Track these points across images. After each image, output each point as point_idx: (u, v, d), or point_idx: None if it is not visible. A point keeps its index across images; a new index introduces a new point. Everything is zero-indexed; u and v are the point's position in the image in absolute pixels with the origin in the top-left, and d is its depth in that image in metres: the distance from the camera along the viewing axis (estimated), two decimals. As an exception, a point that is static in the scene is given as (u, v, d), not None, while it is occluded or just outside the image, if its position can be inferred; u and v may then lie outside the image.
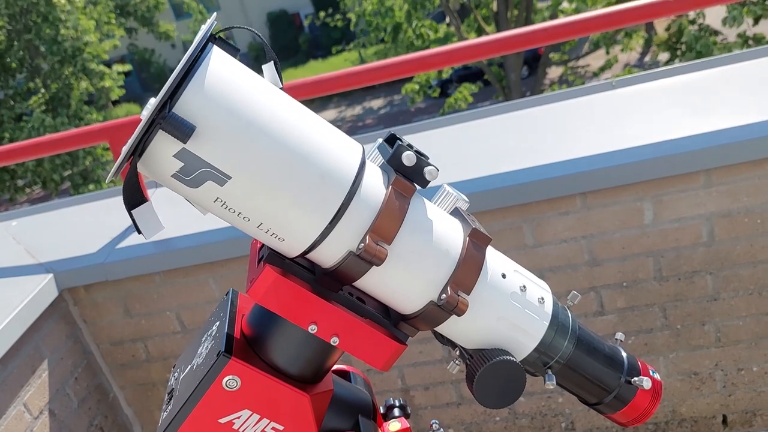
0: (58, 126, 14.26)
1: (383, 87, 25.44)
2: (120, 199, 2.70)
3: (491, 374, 0.80)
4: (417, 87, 14.35)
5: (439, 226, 0.79)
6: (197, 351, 0.87)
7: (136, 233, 2.30)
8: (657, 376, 0.94)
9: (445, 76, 15.39)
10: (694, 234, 2.00)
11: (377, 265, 0.74)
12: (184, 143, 0.65)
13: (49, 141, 2.36)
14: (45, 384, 2.10)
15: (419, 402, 2.34)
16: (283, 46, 29.04)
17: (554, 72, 17.84)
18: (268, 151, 0.69)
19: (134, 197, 0.69)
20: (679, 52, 10.71)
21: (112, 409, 2.39)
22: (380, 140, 0.85)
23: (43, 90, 15.87)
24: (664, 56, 11.76)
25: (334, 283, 0.78)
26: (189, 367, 0.85)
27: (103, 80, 16.35)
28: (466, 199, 0.87)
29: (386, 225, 0.74)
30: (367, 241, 0.72)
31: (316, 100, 27.05)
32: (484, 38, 2.13)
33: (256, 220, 0.72)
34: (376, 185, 0.75)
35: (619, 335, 0.97)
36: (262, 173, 0.69)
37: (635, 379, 0.89)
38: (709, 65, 2.33)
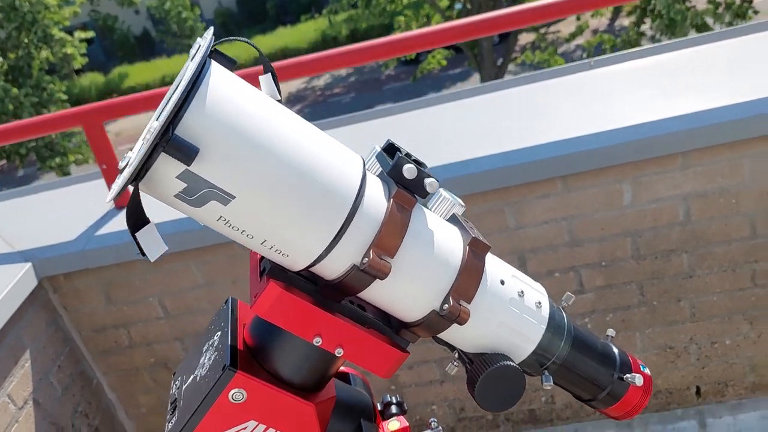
0: (21, 98, 13.85)
1: (353, 54, 25.14)
2: (97, 183, 2.65)
3: (492, 380, 0.82)
4: (390, 53, 14.20)
5: (440, 236, 0.80)
6: (199, 361, 0.87)
7: (115, 219, 2.28)
8: (647, 371, 0.97)
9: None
10: (671, 214, 2.04)
11: (381, 279, 0.74)
12: (189, 166, 0.65)
13: (20, 126, 2.31)
14: (28, 374, 2.09)
15: (403, 381, 2.38)
16: (250, 12, 28.45)
17: (525, 38, 17.81)
18: (272, 169, 0.69)
19: (137, 220, 0.68)
20: (650, 22, 10.76)
21: (95, 395, 2.39)
22: (377, 148, 0.85)
23: (1, 59, 15.35)
24: (645, 25, 11.80)
25: (336, 294, 0.78)
26: (191, 377, 0.86)
27: (64, 47, 15.85)
28: (462, 204, 0.88)
29: (389, 238, 0.74)
30: (371, 256, 0.73)
31: (286, 67, 26.59)
32: (473, 18, 2.10)
33: (260, 237, 0.72)
34: (377, 198, 0.76)
35: (611, 332, 1.00)
36: (266, 192, 0.69)
37: (627, 375, 0.92)
38: (686, 45, 2.35)
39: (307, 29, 25.56)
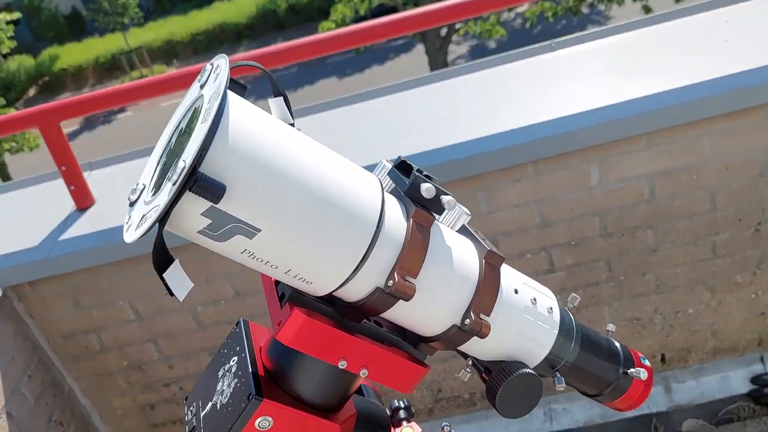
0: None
1: (296, 26, 24.73)
2: (53, 185, 2.54)
3: (513, 388, 0.84)
4: (333, 26, 14.05)
5: (457, 251, 0.81)
6: (215, 386, 0.86)
7: (78, 222, 2.21)
8: (647, 362, 1.01)
9: (362, 13, 15.09)
10: (636, 192, 2.10)
11: (406, 301, 0.75)
12: (216, 204, 0.64)
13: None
14: (-1, 387, 2.03)
15: (381, 367, 2.40)
16: (185, -14, 27.56)
17: (467, 8, 17.85)
18: (297, 200, 0.68)
19: (163, 261, 0.67)
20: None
21: (68, 402, 2.33)
22: (386, 163, 0.85)
23: None
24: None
25: (357, 315, 0.79)
26: (210, 404, 0.85)
27: (-11, 31, 15.09)
28: (468, 212, 0.89)
29: (411, 260, 0.75)
30: (396, 279, 0.73)
31: (225, 43, 25.97)
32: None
33: (285, 267, 0.72)
34: (397, 220, 0.76)
35: (611, 326, 1.03)
36: (291, 223, 0.69)
37: (632, 370, 0.95)
38: (644, 24, 2.39)
39: (246, 2, 24.98)
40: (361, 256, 0.72)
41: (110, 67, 24.12)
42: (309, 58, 2.09)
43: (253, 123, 0.67)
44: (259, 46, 24.95)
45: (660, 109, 1.95)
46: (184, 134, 0.70)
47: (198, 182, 0.61)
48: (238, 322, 0.91)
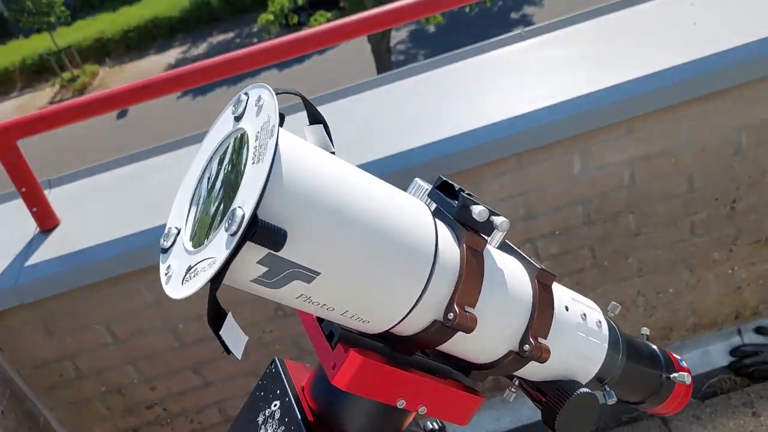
0: None
1: (231, 18, 24.19)
2: (10, 207, 2.39)
3: (572, 409, 0.81)
4: (272, 17, 13.80)
5: (509, 273, 0.77)
6: (256, 433, 0.80)
7: (43, 245, 2.08)
8: (684, 364, 1.00)
9: (299, 2, 14.86)
10: (617, 179, 2.11)
11: (467, 333, 0.71)
12: (278, 251, 0.58)
13: None
14: (-28, 428, 1.90)
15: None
16: (111, -19, 26.61)
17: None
18: (357, 239, 0.63)
19: (218, 316, 0.61)
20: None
21: (45, 434, 2.21)
22: (421, 183, 0.80)
23: None
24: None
25: (410, 349, 0.74)
26: (254, 453, 0.79)
27: None
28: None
29: (469, 288, 0.71)
30: (457, 311, 0.69)
31: (158, 38, 25.23)
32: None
33: (342, 309, 0.67)
34: (450, 246, 0.72)
35: (645, 330, 1.02)
36: (351, 264, 0.64)
37: (675, 375, 0.94)
38: (612, 9, 2.40)
39: (187, -8, 24.29)
40: (421, 291, 0.68)
41: (39, 69, 23.14)
42: (290, 58, 2.00)
43: (306, 159, 0.62)
44: (194, 40, 24.31)
45: (638, 95, 1.95)
46: (226, 175, 0.64)
47: (259, 231, 0.55)
48: (272, 361, 0.85)
